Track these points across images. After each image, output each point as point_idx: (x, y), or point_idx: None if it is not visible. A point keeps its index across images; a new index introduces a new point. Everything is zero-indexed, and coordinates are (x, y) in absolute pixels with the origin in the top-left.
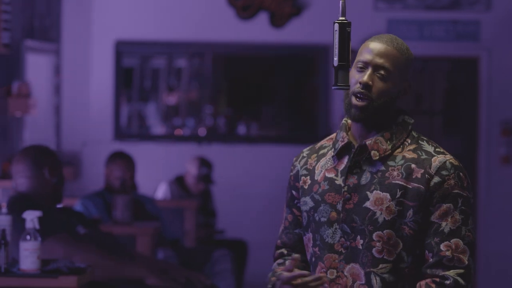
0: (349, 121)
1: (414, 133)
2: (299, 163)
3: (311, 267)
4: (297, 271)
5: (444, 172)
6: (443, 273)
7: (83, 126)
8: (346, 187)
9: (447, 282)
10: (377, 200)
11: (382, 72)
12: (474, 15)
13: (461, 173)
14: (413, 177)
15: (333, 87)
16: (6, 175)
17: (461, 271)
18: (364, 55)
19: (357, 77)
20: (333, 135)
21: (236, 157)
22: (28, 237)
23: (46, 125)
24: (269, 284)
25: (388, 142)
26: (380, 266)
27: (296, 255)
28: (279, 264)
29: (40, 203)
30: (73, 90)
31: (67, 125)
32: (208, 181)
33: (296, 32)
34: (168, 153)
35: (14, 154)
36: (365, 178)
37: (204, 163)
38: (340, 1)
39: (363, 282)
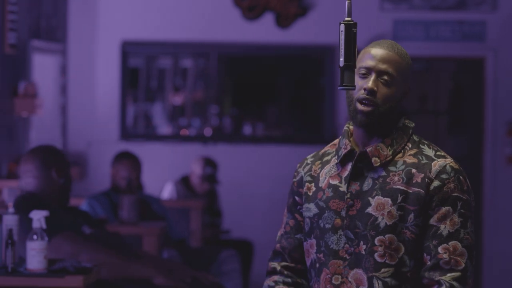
0: (351, 127)
1: (415, 137)
2: (302, 170)
3: (314, 273)
4: None
5: (444, 176)
6: (439, 278)
7: (89, 126)
8: (349, 193)
9: None
10: (378, 206)
11: (385, 77)
12: (480, 15)
13: (461, 177)
14: (414, 181)
15: (339, 88)
16: (12, 175)
17: (457, 274)
18: (366, 61)
19: (361, 83)
20: (337, 141)
21: (242, 157)
22: (35, 236)
23: (52, 125)
24: None
25: (389, 147)
26: (382, 270)
27: None
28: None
29: (47, 203)
30: (79, 90)
31: (73, 125)
32: (213, 181)
33: (301, 32)
34: (174, 153)
35: (21, 154)
36: (367, 184)
37: (209, 163)
38: (346, 2)
39: (366, 286)
